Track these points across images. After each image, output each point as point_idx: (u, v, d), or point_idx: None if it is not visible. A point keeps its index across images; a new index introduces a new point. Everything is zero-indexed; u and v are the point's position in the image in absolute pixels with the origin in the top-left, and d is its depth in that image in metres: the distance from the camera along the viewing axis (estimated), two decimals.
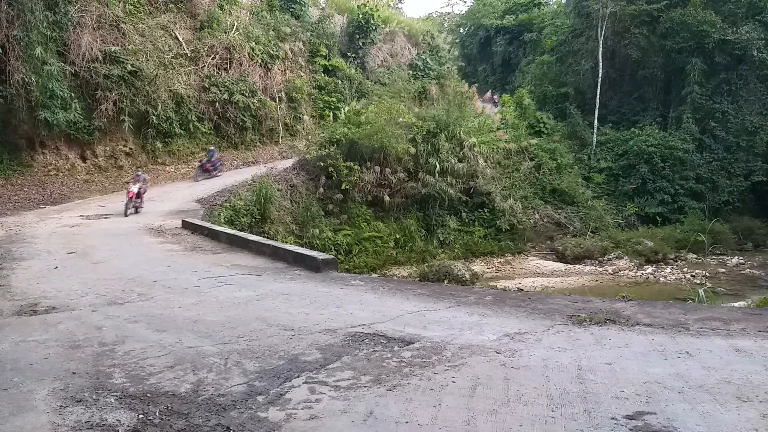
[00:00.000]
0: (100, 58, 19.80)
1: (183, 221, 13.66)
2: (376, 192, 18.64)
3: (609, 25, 27.30)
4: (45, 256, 10.22)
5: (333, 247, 16.48)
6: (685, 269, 18.77)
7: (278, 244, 11.47)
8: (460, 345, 5.06)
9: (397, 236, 18.35)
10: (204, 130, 22.65)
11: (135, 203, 15.81)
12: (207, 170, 20.53)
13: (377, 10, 30.13)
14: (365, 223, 18.18)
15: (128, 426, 3.57)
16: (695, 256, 20.47)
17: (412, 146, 19.22)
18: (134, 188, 16.23)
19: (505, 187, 21.36)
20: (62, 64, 18.82)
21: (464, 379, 4.21)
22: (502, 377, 4.23)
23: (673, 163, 25.15)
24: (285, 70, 26.04)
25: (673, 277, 17.78)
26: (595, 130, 27.12)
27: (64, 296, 7.29)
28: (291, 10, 27.59)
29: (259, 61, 24.58)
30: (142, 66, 20.62)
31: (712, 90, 26.59)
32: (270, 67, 25.08)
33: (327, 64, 27.56)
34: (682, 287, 15.27)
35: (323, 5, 30.76)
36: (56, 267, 9.28)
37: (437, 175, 19.15)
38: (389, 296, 7.27)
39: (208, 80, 22.93)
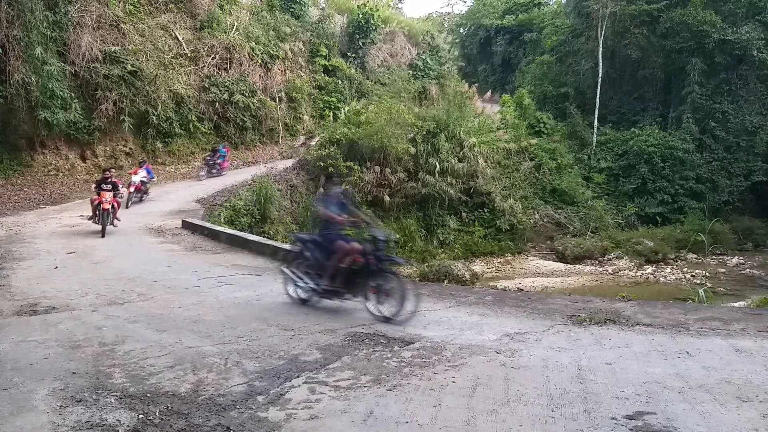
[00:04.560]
0: (100, 58, 19.78)
1: (183, 221, 13.66)
2: (376, 192, 18.62)
3: (609, 25, 27.28)
4: (45, 256, 10.22)
5: None
6: (685, 269, 18.75)
7: (278, 244, 11.48)
8: (460, 345, 5.06)
9: (397, 236, 18.33)
10: (204, 130, 22.64)
11: (111, 214, 12.54)
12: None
13: (377, 10, 30.11)
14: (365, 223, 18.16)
15: (128, 426, 3.57)
16: (695, 256, 20.45)
17: (412, 146, 19.21)
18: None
19: (505, 187, 21.34)
20: (62, 64, 18.80)
21: (464, 379, 4.21)
22: (502, 377, 4.23)
23: (673, 163, 25.14)
24: (285, 70, 26.03)
25: (673, 277, 17.76)
26: (595, 130, 27.11)
27: (64, 296, 7.29)
28: (291, 10, 27.59)
29: (259, 61, 24.58)
30: (142, 66, 20.61)
31: (712, 90, 26.58)
32: (270, 67, 25.08)
33: (327, 64, 27.55)
34: (682, 287, 15.26)
35: (323, 5, 30.75)
36: (56, 267, 9.28)
37: (437, 175, 19.13)
38: None
39: (208, 80, 22.92)
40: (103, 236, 11.96)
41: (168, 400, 3.94)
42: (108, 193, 12.28)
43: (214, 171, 20.01)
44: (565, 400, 3.75)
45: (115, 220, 12.70)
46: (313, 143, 21.97)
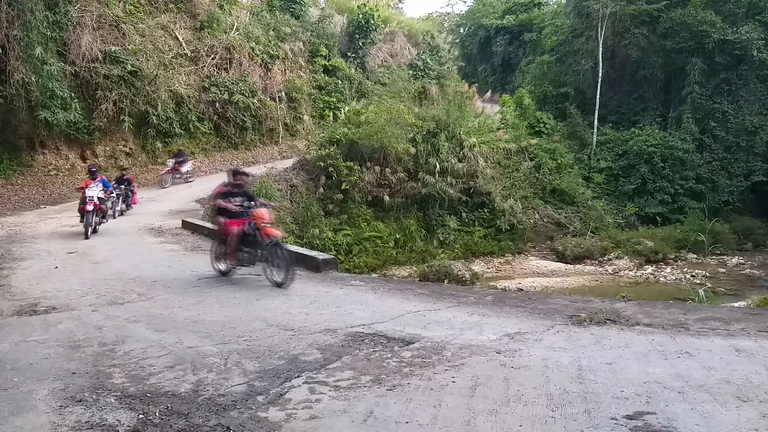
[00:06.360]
0: (100, 58, 19.81)
1: (183, 221, 13.67)
2: (376, 192, 18.63)
3: (609, 25, 27.28)
4: (45, 256, 10.22)
5: (333, 247, 16.47)
6: (685, 269, 18.75)
7: None
8: (460, 345, 5.06)
9: (397, 236, 18.33)
10: (204, 130, 22.66)
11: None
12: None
13: (377, 10, 30.14)
14: (365, 223, 18.17)
15: (128, 426, 3.57)
16: (695, 256, 20.45)
17: (412, 146, 19.22)
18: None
19: (505, 187, 21.34)
20: (62, 64, 18.83)
21: (464, 379, 4.21)
22: (502, 377, 4.23)
23: (673, 163, 25.14)
24: (285, 70, 26.05)
25: (673, 277, 17.76)
26: (595, 130, 27.11)
27: (64, 296, 7.30)
28: (291, 10, 27.60)
29: (259, 61, 24.59)
30: (142, 66, 20.64)
31: (712, 90, 26.58)
32: (270, 67, 25.09)
33: (327, 64, 27.57)
34: (682, 287, 15.25)
35: (323, 5, 30.77)
36: (56, 267, 9.29)
37: (437, 175, 19.14)
38: (389, 296, 7.27)
39: (208, 80, 22.94)
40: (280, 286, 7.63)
41: (168, 400, 3.94)
42: (266, 209, 7.99)
43: (124, 207, 15.49)
44: (565, 400, 3.75)
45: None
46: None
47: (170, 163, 19.44)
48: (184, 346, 5.14)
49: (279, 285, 7.53)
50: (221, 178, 19.33)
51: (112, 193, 13.82)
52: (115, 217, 14.09)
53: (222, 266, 8.30)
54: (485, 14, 42.31)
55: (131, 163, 20.53)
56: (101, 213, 12.49)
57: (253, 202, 8.13)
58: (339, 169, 17.76)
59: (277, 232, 7.89)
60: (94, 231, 12.13)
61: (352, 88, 27.77)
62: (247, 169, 19.75)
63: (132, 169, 20.13)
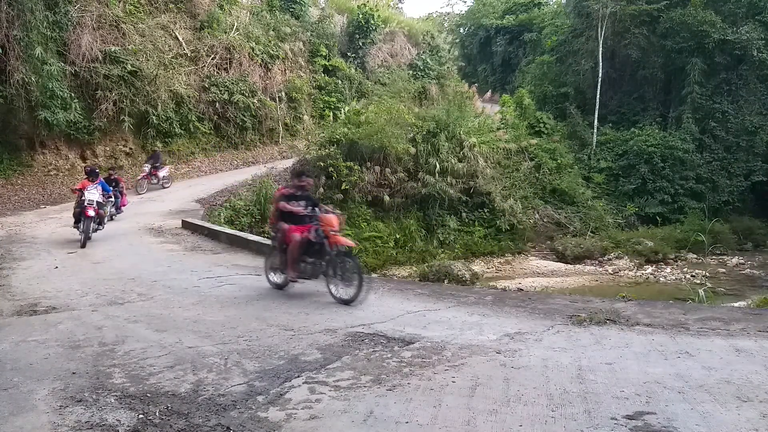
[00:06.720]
0: (100, 58, 19.79)
1: (183, 221, 13.67)
2: (376, 192, 18.61)
3: (609, 25, 27.27)
4: (45, 256, 10.22)
5: None
6: (685, 269, 18.74)
7: None
8: (460, 345, 5.06)
9: (397, 236, 18.32)
10: (204, 130, 22.65)
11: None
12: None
13: (377, 10, 30.12)
14: (365, 223, 18.15)
15: (128, 426, 3.57)
16: (695, 256, 20.44)
17: (412, 146, 19.20)
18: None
19: (505, 187, 21.32)
20: (62, 64, 18.80)
21: (464, 379, 4.21)
22: (502, 377, 4.23)
23: (673, 163, 25.14)
24: (285, 70, 26.04)
25: (673, 277, 17.75)
26: (595, 130, 27.09)
27: (64, 296, 7.30)
28: (291, 10, 27.59)
29: (259, 61, 24.59)
30: (142, 66, 20.61)
31: (712, 90, 26.56)
32: (270, 67, 25.09)
33: (327, 64, 27.56)
34: (682, 287, 15.25)
35: (323, 5, 30.76)
36: (56, 267, 9.29)
37: (437, 175, 19.11)
38: (389, 296, 7.28)
39: (208, 80, 22.93)
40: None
41: (168, 400, 3.94)
42: (335, 216, 7.05)
43: (113, 210, 14.22)
44: (565, 400, 3.75)
45: None
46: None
47: (146, 168, 18.54)
48: (184, 346, 5.14)
49: (346, 302, 6.58)
50: (221, 179, 19.59)
51: (111, 197, 13.00)
52: (105, 222, 12.75)
53: (278, 278, 7.39)
54: (485, 14, 42.31)
55: (131, 163, 20.51)
56: (98, 218, 11.58)
57: (317, 208, 7.18)
58: (339, 169, 17.75)
59: (350, 242, 6.96)
60: (88, 238, 11.19)
61: (352, 88, 27.75)
62: (247, 170, 19.92)
63: (132, 170, 20.16)
